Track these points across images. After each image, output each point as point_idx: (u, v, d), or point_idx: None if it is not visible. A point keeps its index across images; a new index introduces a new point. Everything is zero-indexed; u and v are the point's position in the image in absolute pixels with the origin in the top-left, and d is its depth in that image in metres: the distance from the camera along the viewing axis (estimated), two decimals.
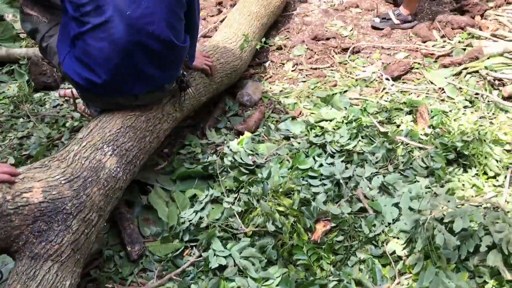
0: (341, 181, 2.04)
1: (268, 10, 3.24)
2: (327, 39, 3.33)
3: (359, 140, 2.32)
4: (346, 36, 3.39)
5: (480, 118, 2.47)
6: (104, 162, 1.66)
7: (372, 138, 2.32)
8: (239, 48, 2.57)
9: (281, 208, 1.88)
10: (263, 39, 2.80)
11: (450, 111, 2.54)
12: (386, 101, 2.68)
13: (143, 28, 1.70)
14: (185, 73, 2.11)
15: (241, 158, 2.20)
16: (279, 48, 3.28)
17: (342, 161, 2.18)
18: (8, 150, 2.44)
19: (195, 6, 1.99)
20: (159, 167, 2.29)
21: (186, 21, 1.96)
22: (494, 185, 2.04)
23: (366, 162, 2.19)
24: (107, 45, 1.68)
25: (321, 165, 2.17)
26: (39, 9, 1.89)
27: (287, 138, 2.45)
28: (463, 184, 2.05)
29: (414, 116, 2.50)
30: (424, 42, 3.23)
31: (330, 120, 2.54)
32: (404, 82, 2.86)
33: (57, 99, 2.93)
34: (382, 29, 3.43)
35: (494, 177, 2.08)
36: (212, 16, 3.62)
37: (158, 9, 1.72)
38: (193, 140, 2.45)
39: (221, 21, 3.41)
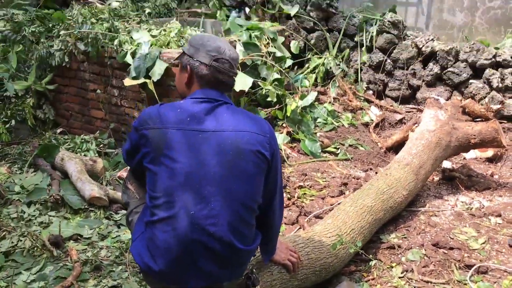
0: None
1: (386, 205, 3.05)
2: (451, 248, 2.94)
3: None
4: (475, 249, 2.95)
5: None
6: None
7: None
8: (331, 248, 2.41)
9: None
10: (359, 243, 2.59)
11: None
12: None
13: (205, 229, 1.74)
14: (254, 269, 2.03)
15: None
16: (392, 247, 2.99)
17: None
18: None
19: (275, 208, 1.97)
20: None
21: (261, 222, 1.95)
22: None
23: None
24: (169, 238, 1.75)
25: None
26: (137, 185, 2.08)
27: None
28: None
29: None
30: None
31: None
32: None
33: None
34: None
35: None
36: (333, 197, 3.55)
37: (224, 212, 1.75)
38: None
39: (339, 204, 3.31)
